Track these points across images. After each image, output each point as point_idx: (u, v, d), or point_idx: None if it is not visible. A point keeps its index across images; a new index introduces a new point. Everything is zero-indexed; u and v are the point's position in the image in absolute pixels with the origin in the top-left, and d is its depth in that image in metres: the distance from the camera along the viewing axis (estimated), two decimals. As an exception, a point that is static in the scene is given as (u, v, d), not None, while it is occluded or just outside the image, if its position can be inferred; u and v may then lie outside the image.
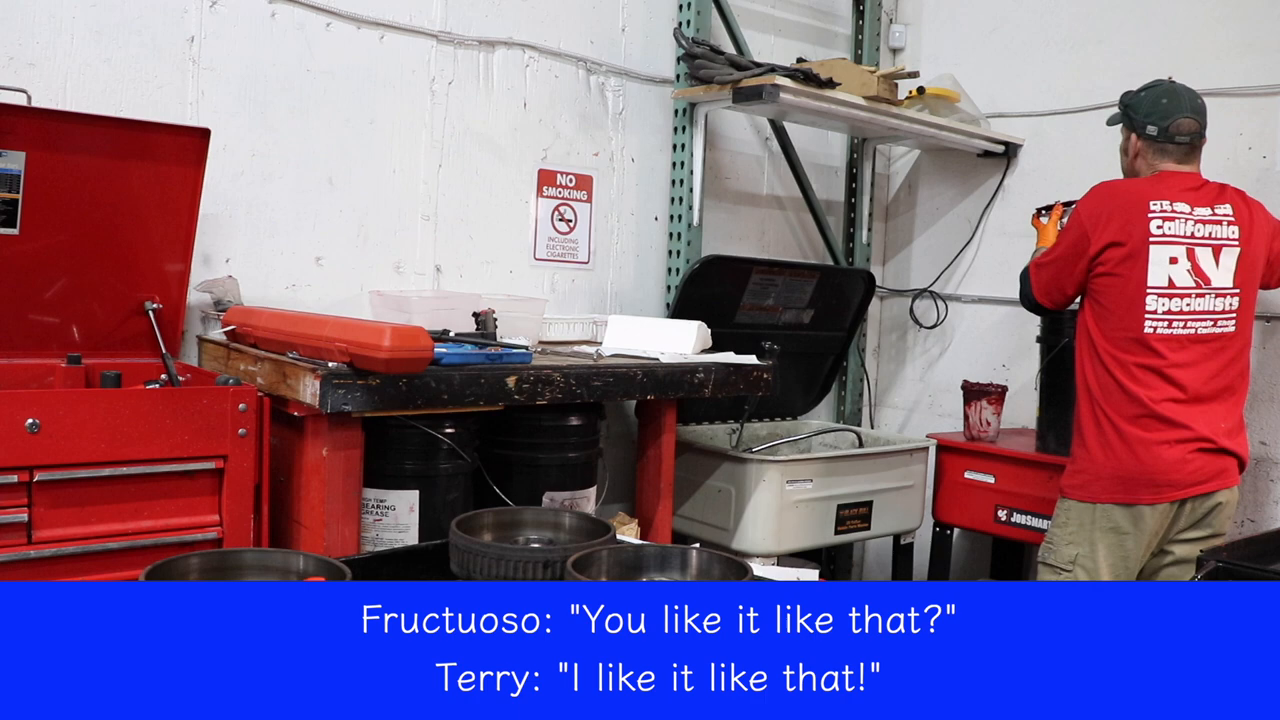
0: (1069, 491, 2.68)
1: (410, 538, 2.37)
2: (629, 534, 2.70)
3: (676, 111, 3.50)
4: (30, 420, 1.87)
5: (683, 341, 2.85)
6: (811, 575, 1.81)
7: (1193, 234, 2.58)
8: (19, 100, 2.28)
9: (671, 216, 3.54)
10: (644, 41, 3.51)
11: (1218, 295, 2.60)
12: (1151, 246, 2.56)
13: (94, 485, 1.95)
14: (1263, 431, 3.27)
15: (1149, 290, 2.56)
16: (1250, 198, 2.71)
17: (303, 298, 2.86)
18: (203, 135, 2.37)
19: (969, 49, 4.00)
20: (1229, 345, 2.62)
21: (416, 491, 2.39)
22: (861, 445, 3.69)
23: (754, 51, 3.61)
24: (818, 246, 4.07)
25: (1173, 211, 2.57)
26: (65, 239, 2.29)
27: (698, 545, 1.92)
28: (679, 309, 3.20)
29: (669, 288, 3.54)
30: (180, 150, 2.36)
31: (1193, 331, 2.58)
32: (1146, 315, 2.57)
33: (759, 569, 1.70)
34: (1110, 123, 2.82)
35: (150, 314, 2.42)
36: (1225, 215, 2.61)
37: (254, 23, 2.74)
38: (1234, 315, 2.62)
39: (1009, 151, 3.86)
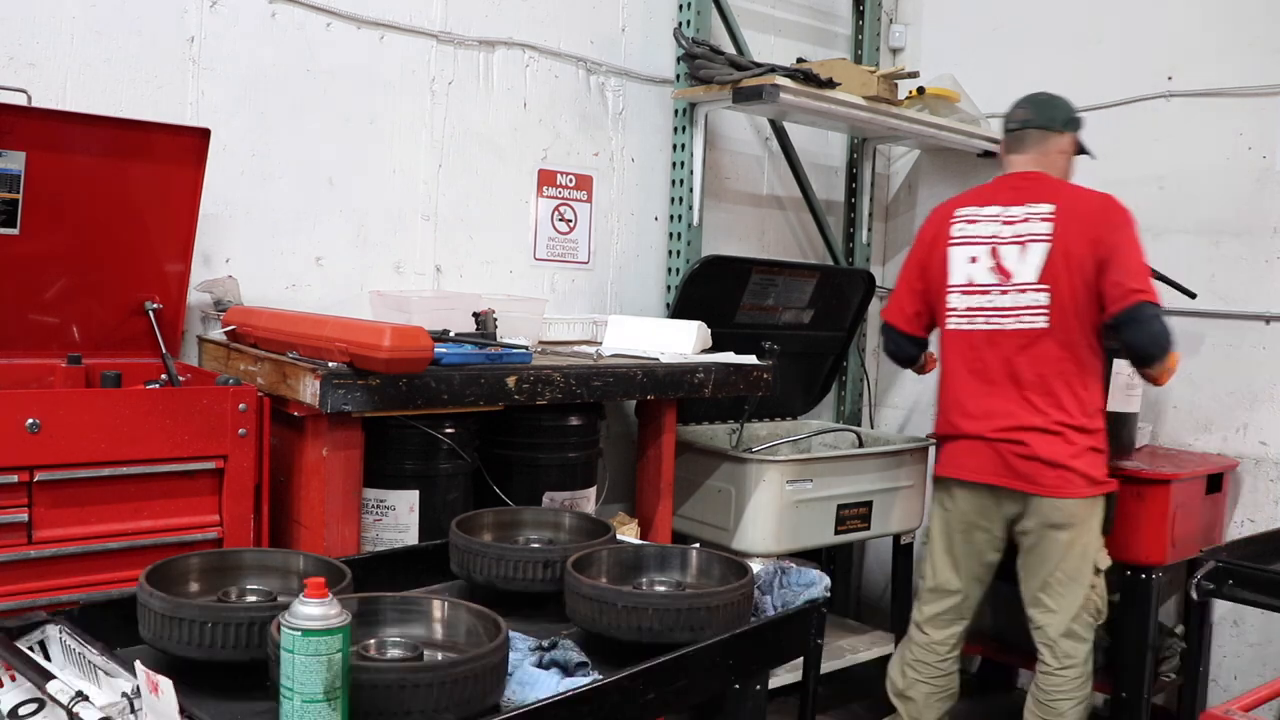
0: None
1: (410, 538, 2.37)
2: (629, 534, 2.70)
3: (676, 111, 3.50)
4: (30, 420, 1.87)
5: (683, 341, 2.85)
6: (811, 574, 1.81)
7: (997, 234, 2.70)
8: (19, 100, 2.28)
9: (671, 216, 3.54)
10: (644, 41, 3.51)
11: (1020, 291, 2.66)
12: (950, 249, 2.76)
13: (94, 485, 1.95)
14: (1262, 431, 3.27)
15: (949, 288, 2.76)
16: (1097, 198, 2.66)
17: (303, 298, 2.86)
18: (203, 135, 2.37)
19: (969, 49, 4.01)
20: (1039, 340, 2.64)
21: (416, 491, 2.39)
22: (861, 445, 3.69)
23: (754, 51, 3.61)
24: (818, 246, 4.07)
25: (977, 215, 2.75)
26: (65, 239, 2.29)
27: (698, 545, 1.92)
28: (679, 309, 3.20)
29: (669, 288, 3.54)
30: (180, 150, 2.36)
31: (995, 327, 2.69)
32: (948, 312, 2.77)
33: (759, 569, 1.70)
34: None
35: (150, 314, 2.42)
36: (1041, 213, 2.66)
37: (254, 23, 2.74)
38: (1044, 310, 2.63)
39: (1009, 151, 3.85)
